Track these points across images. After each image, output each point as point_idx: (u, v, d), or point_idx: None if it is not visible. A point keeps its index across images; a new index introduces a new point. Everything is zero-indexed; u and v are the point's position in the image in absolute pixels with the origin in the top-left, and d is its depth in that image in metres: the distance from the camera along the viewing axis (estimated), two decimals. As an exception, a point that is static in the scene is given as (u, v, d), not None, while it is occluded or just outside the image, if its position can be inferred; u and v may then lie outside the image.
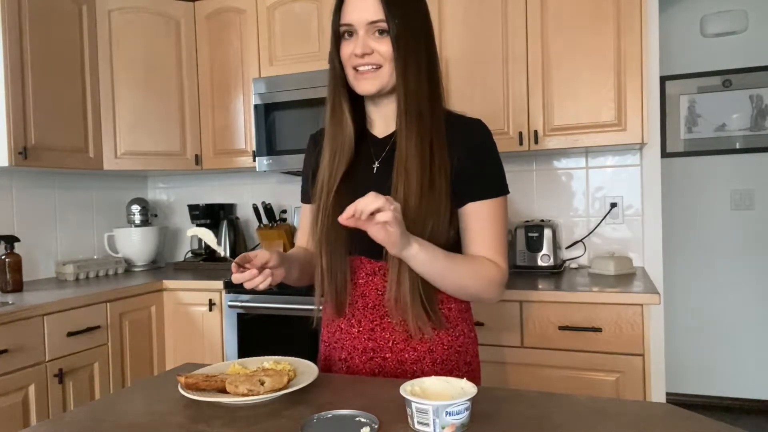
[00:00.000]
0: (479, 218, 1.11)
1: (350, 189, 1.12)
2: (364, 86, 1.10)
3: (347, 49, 1.09)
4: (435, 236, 1.07)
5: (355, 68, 1.09)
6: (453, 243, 1.12)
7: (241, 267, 1.04)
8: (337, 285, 1.14)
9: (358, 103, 1.17)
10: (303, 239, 1.32)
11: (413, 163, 1.06)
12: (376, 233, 0.94)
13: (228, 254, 1.10)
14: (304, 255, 1.24)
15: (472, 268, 1.08)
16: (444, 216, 1.08)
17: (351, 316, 1.16)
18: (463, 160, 1.10)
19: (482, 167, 1.12)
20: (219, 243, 1.05)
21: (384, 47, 1.07)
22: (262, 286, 1.06)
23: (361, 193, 1.11)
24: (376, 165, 1.16)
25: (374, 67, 1.08)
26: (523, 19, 2.33)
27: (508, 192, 1.16)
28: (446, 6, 2.44)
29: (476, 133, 1.14)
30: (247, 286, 1.05)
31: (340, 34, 1.11)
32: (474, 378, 1.19)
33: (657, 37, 2.36)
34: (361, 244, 1.10)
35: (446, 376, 1.03)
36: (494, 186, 1.13)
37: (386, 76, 1.09)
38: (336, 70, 1.14)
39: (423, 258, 1.01)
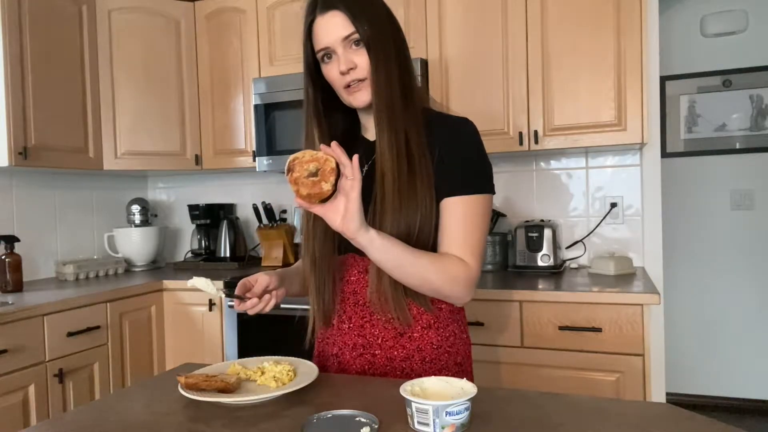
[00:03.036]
0: (454, 215, 1.09)
1: None
2: (358, 99, 1.12)
3: (332, 71, 1.12)
4: (420, 233, 1.07)
5: (346, 86, 1.12)
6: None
7: (242, 299, 1.11)
8: (325, 301, 1.17)
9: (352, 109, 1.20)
10: None
11: (388, 157, 1.07)
12: (333, 216, 0.96)
13: (224, 295, 1.14)
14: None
15: (434, 262, 1.06)
16: (428, 214, 1.08)
17: (342, 313, 1.18)
18: (443, 156, 1.10)
19: (461, 162, 1.11)
20: (219, 288, 1.09)
21: (364, 58, 1.09)
22: (266, 310, 1.14)
23: None
24: (366, 168, 1.18)
25: (360, 80, 1.10)
26: (523, 20, 2.33)
27: (490, 191, 1.13)
28: (446, 6, 2.44)
29: (458, 130, 1.14)
30: (251, 313, 1.13)
31: (314, 60, 1.14)
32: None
33: (657, 37, 2.36)
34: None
35: (436, 375, 1.03)
36: (473, 182, 1.10)
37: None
38: (309, 98, 1.17)
39: (379, 244, 1.00)
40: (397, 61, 1.11)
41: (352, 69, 1.09)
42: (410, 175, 1.07)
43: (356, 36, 1.08)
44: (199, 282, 1.09)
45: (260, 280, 1.15)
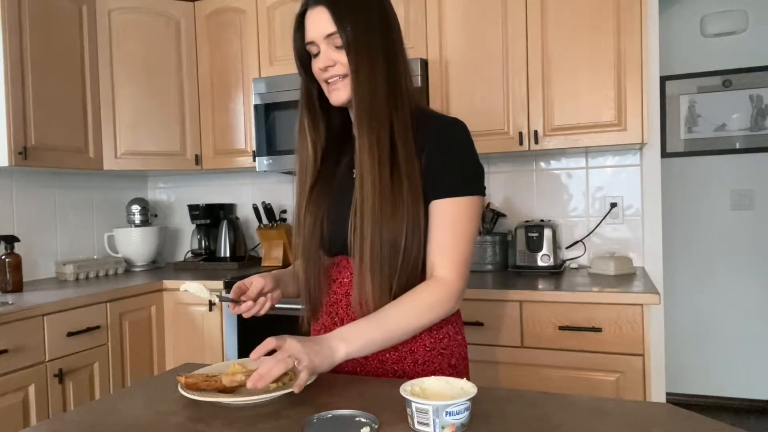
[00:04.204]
0: (442, 217, 1.08)
1: (331, 192, 1.17)
2: (335, 97, 1.12)
3: (315, 65, 1.12)
4: (408, 245, 1.06)
5: (325, 82, 1.12)
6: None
7: (237, 302, 1.11)
8: (311, 291, 1.17)
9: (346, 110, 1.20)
10: None
11: (366, 159, 1.07)
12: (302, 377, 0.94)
13: (217, 299, 1.14)
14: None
15: (411, 309, 1.05)
16: (415, 226, 1.07)
17: (335, 314, 1.17)
18: (433, 157, 1.09)
19: (451, 163, 1.10)
20: (212, 290, 1.10)
21: (344, 57, 1.09)
22: (261, 313, 1.14)
23: (340, 197, 1.14)
24: (356, 169, 1.17)
25: (340, 77, 1.10)
26: (523, 19, 2.33)
27: (480, 193, 1.12)
28: (446, 6, 2.44)
29: (449, 130, 1.13)
30: (246, 316, 1.13)
31: (302, 54, 1.14)
32: None
33: (657, 37, 2.36)
34: (346, 244, 1.12)
35: (429, 377, 1.03)
36: (463, 184, 1.09)
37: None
38: (301, 88, 1.18)
39: (359, 349, 1.00)
40: (384, 64, 1.10)
41: (330, 66, 1.09)
42: (395, 181, 1.06)
43: (337, 36, 1.07)
44: (191, 287, 1.09)
45: (255, 282, 1.14)
